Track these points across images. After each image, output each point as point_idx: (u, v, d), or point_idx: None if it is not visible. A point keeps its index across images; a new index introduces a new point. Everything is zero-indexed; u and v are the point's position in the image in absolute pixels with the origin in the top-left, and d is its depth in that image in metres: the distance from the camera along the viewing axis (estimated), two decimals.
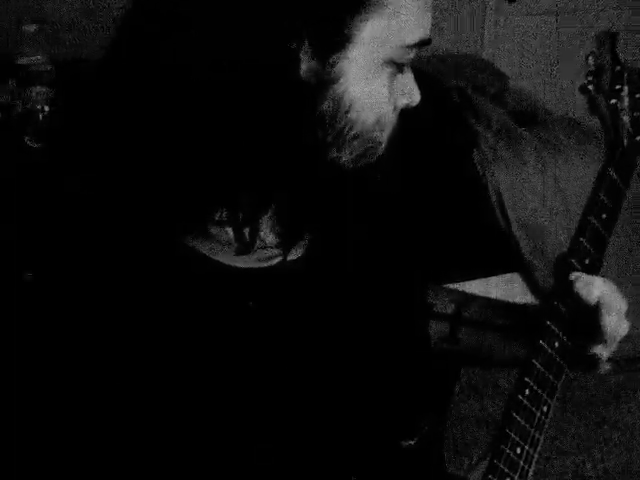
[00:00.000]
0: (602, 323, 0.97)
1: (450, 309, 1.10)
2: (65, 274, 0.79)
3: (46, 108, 2.15)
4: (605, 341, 0.98)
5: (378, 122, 0.83)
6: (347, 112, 0.81)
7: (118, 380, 0.79)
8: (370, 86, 0.81)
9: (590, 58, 1.08)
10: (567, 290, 0.98)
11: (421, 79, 0.86)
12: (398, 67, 0.83)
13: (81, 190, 0.81)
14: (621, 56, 1.09)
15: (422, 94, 0.87)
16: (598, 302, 0.97)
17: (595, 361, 1.01)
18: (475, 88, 3.06)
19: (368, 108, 0.82)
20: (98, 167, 0.81)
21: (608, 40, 1.08)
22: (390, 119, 0.85)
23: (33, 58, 2.29)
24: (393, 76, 0.83)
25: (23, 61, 2.29)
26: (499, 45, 3.55)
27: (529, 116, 2.93)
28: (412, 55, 0.84)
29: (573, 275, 0.99)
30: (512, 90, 3.15)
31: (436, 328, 1.10)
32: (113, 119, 0.81)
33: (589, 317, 0.98)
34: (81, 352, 0.78)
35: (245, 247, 0.84)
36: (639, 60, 1.18)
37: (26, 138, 2.13)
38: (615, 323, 0.98)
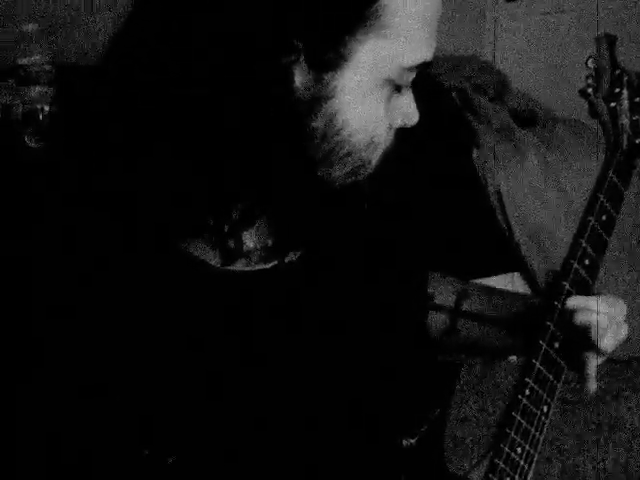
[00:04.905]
0: (594, 342, 0.98)
1: (450, 301, 1.10)
2: (63, 272, 0.80)
3: (46, 108, 2.15)
4: (597, 353, 1.00)
5: (371, 142, 0.82)
6: (339, 130, 0.80)
7: (112, 379, 0.79)
8: (365, 106, 0.80)
9: (589, 61, 1.08)
10: (562, 312, 1.00)
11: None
12: (397, 87, 0.82)
13: (78, 191, 0.82)
14: (620, 59, 1.09)
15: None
16: (591, 326, 0.98)
17: (583, 364, 1.02)
18: (475, 88, 3.06)
19: (361, 128, 0.80)
20: (96, 169, 0.81)
21: (607, 43, 1.08)
22: (384, 139, 0.84)
23: (33, 58, 2.29)
24: (391, 96, 0.82)
25: (23, 61, 2.29)
26: (499, 45, 3.55)
27: (529, 116, 2.93)
28: (412, 76, 0.82)
29: (569, 301, 1.00)
30: (512, 90, 3.15)
31: (436, 320, 1.10)
32: (111, 123, 0.81)
33: (583, 337, 0.99)
34: (74, 348, 0.79)
35: (229, 257, 0.83)
36: (638, 63, 1.18)
37: (26, 138, 2.13)
38: (609, 342, 0.99)
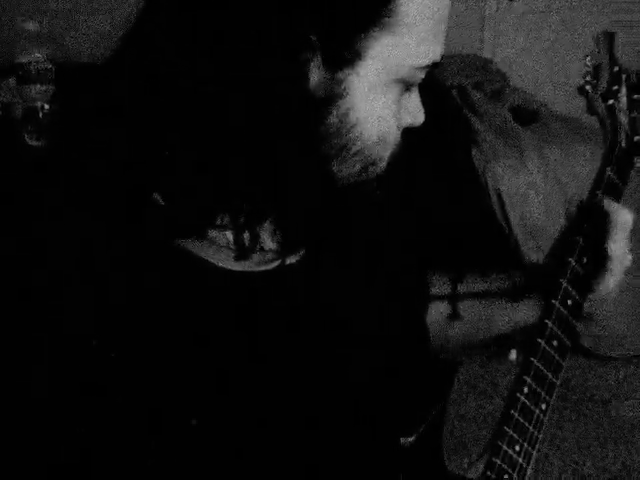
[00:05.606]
0: (611, 248, 1.01)
1: (446, 288, 1.10)
2: (64, 271, 0.80)
3: (46, 106, 2.16)
4: (611, 269, 1.02)
5: (382, 140, 0.83)
6: (352, 127, 0.80)
7: (117, 376, 0.80)
8: (377, 103, 0.81)
9: (588, 59, 1.08)
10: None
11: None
12: (407, 86, 0.83)
13: (80, 189, 0.82)
14: (619, 57, 1.09)
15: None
16: (612, 226, 1.00)
17: (598, 293, 1.03)
18: (475, 87, 3.06)
19: (373, 125, 0.81)
20: (96, 168, 0.81)
21: (606, 40, 1.08)
22: (394, 137, 0.85)
23: (33, 56, 2.30)
24: (401, 95, 0.83)
25: (23, 59, 2.29)
26: (499, 45, 3.56)
27: (529, 114, 2.93)
28: (422, 75, 0.83)
29: (602, 201, 1.02)
30: (512, 89, 3.15)
31: (437, 310, 1.10)
32: (114, 120, 0.81)
33: (600, 244, 1.01)
34: (78, 347, 0.79)
35: (244, 252, 0.83)
36: (637, 61, 1.18)
37: (26, 136, 2.14)
38: (622, 249, 1.01)
